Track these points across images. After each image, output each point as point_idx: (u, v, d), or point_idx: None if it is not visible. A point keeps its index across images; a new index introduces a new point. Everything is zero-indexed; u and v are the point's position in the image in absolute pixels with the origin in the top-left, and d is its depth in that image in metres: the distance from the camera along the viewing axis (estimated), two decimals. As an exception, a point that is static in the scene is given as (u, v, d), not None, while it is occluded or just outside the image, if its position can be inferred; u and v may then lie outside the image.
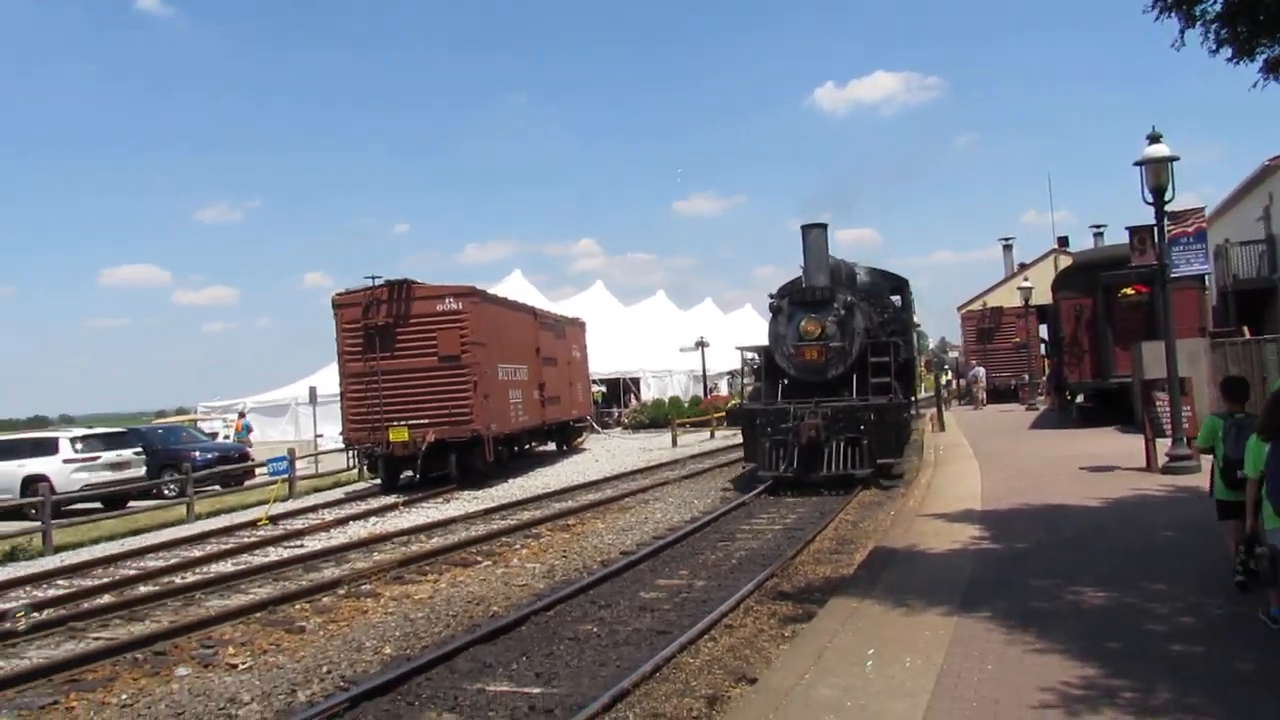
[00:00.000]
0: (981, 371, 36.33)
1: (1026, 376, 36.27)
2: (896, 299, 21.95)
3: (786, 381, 17.21)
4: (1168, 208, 13.30)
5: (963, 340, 43.60)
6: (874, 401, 16.08)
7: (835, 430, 15.74)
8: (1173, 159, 12.89)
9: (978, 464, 15.83)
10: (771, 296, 17.59)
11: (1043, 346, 38.18)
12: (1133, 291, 20.71)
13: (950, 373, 45.20)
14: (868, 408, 15.96)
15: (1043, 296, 33.30)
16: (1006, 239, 52.86)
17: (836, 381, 16.78)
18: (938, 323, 76.59)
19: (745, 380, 19.68)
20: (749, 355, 19.10)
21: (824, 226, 17.22)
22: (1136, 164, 12.99)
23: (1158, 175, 12.90)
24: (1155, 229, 13.51)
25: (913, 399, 23.05)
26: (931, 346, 58.53)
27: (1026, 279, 38.44)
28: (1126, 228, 14.18)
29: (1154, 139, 12.91)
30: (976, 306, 43.74)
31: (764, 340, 18.13)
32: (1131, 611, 6.41)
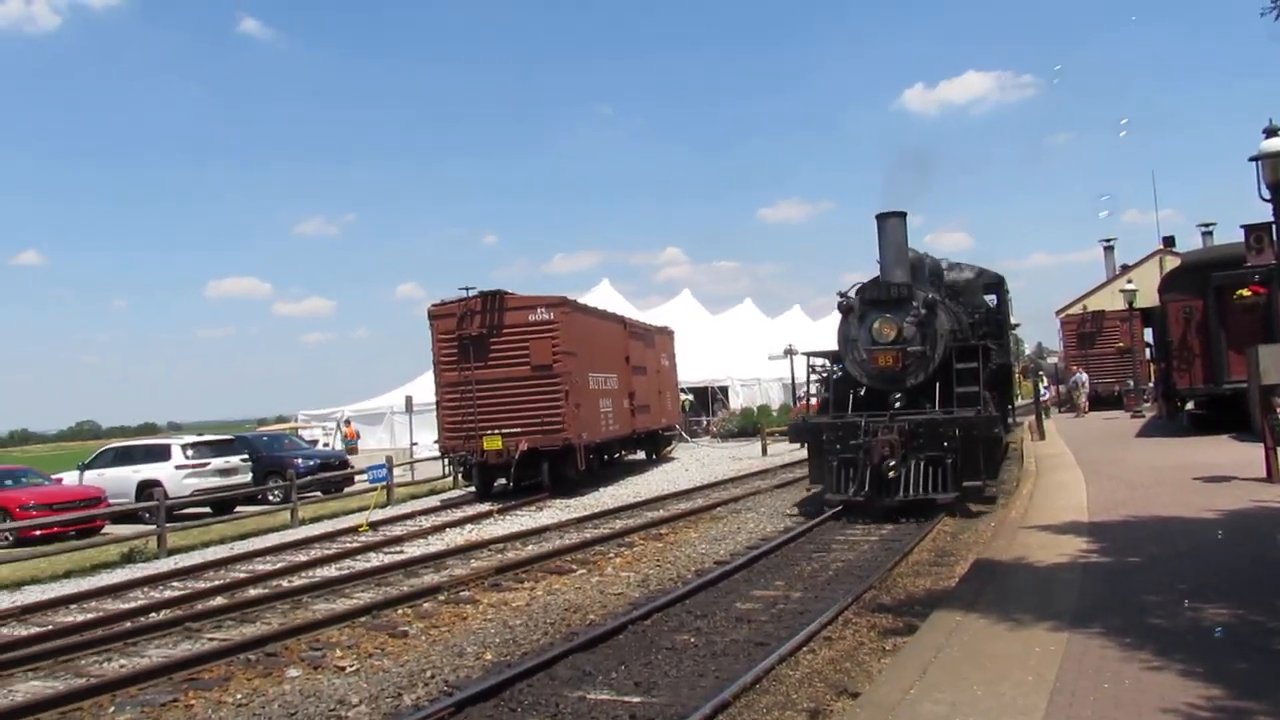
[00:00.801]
0: (1085, 377, 35.13)
1: (1131, 382, 34.93)
2: (991, 299, 20.70)
3: (860, 391, 15.45)
4: (1286, 205, 12.68)
5: (1062, 345, 42.23)
6: (960, 414, 13.99)
7: (914, 448, 13.83)
8: (1292, 154, 12.28)
9: (1082, 474, 15.30)
10: (841, 295, 15.41)
11: (1148, 351, 36.72)
12: (1249, 292, 19.77)
13: (1047, 379, 43.80)
14: (952, 421, 13.87)
15: (1147, 299, 32.02)
16: (1107, 240, 50.99)
17: (916, 391, 14.86)
18: (1035, 328, 74.23)
19: (812, 390, 17.83)
20: (817, 362, 17.38)
21: (902, 216, 15.25)
22: (1252, 159, 12.42)
23: (1275, 170, 12.31)
24: (1274, 226, 12.89)
25: (1010, 407, 21.82)
26: (1028, 352, 56.93)
27: (1130, 281, 37.01)
28: (1242, 226, 13.58)
29: (1272, 132, 12.34)
30: (1076, 310, 42.33)
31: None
32: (1258, 630, 6.11)
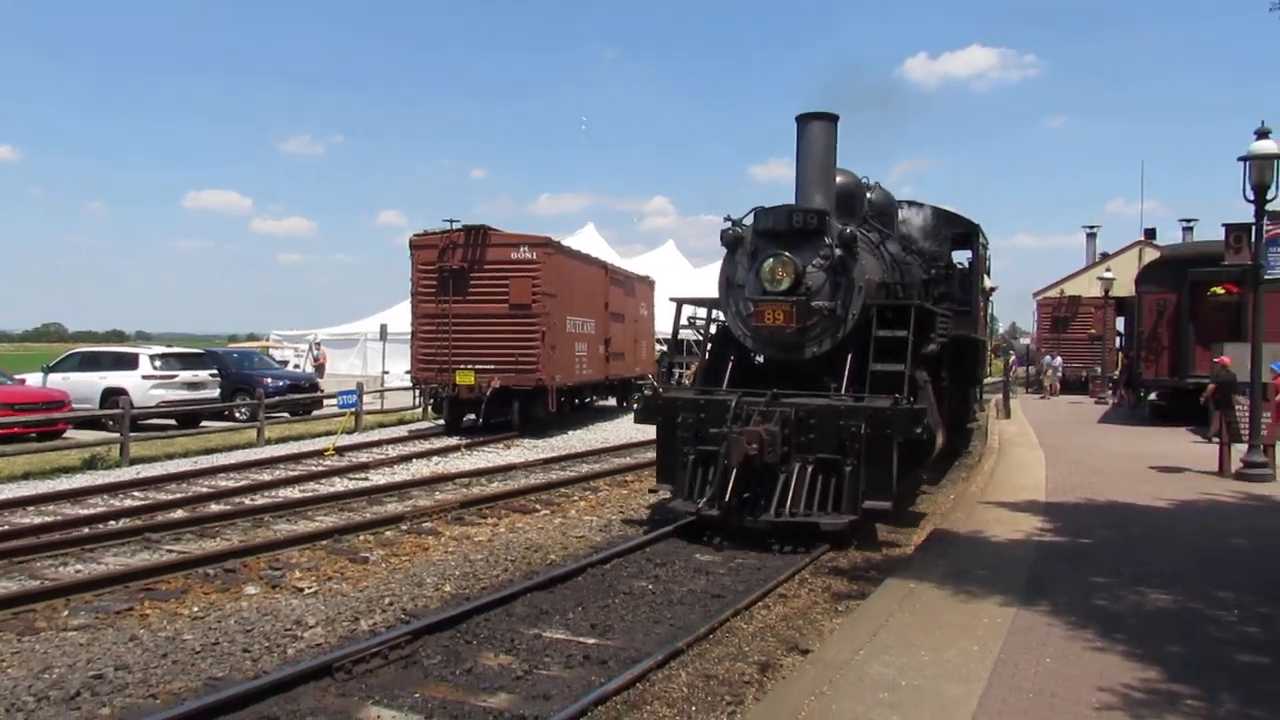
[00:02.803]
0: (1057, 361, 35.61)
1: (1099, 369, 35.41)
2: (963, 256, 16.32)
3: (756, 360, 11.36)
4: (1269, 206, 12.81)
5: (1036, 327, 42.64)
6: (871, 402, 9.71)
7: (801, 446, 9.64)
8: (1279, 156, 12.38)
9: (1043, 455, 15.57)
10: (729, 222, 10.87)
11: (1118, 340, 37.18)
12: (1223, 290, 20.00)
13: (1015, 358, 44.26)
14: (857, 412, 9.55)
15: (1124, 288, 32.35)
16: (1091, 226, 51.20)
17: (819, 365, 10.54)
18: (1011, 308, 75.04)
19: (674, 355, 13.51)
20: (701, 315, 12.56)
21: (831, 120, 10.87)
22: (1241, 159, 12.51)
23: (1262, 172, 12.41)
24: (1254, 227, 13.02)
25: (977, 390, 18.53)
26: (1001, 331, 57.41)
27: (1108, 269, 37.32)
28: (1224, 225, 13.68)
29: (1262, 134, 12.41)
30: (1053, 294, 42.67)
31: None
32: (1197, 617, 6.30)
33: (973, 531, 9.18)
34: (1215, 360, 18.31)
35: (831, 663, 5.39)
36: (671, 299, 13.17)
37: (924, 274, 13.41)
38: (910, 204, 15.59)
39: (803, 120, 10.91)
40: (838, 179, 11.25)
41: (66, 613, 7.23)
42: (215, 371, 22.46)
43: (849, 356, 10.39)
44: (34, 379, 21.33)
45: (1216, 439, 13.73)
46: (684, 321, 13.05)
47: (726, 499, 9.55)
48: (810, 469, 9.63)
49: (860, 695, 4.86)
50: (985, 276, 16.60)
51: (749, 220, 10.82)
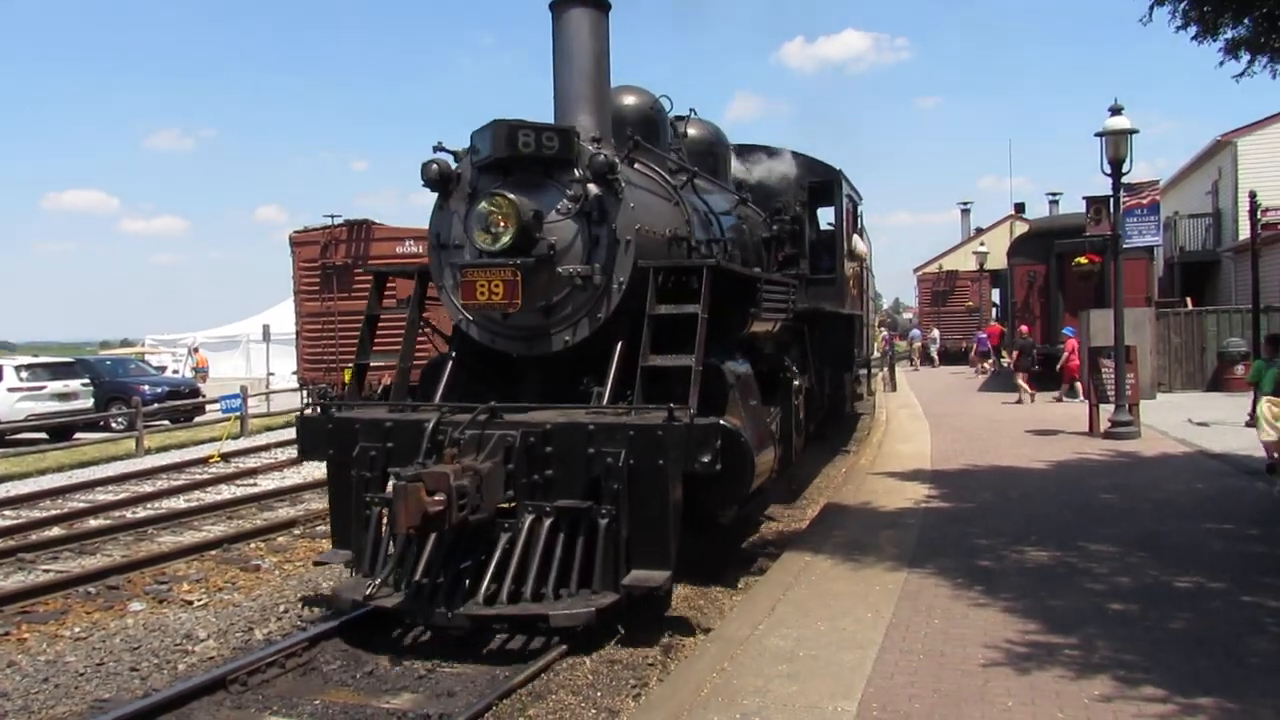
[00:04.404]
0: (935, 333, 37.18)
1: (977, 339, 36.95)
2: (826, 214, 12.65)
3: (488, 355, 7.53)
4: (1124, 179, 13.55)
5: (917, 302, 44.16)
6: (633, 419, 6.23)
7: (533, 487, 6.25)
8: (1132, 131, 13.10)
9: (928, 425, 16.16)
10: (440, 150, 7.40)
11: (994, 310, 38.84)
12: (1085, 260, 21.11)
13: (887, 332, 45.83)
14: (613, 432, 6.14)
15: (998, 261, 33.81)
16: (965, 203, 53.32)
17: (579, 361, 7.19)
18: (896, 284, 77.50)
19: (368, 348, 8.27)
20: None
21: (601, 8, 7.51)
22: (1098, 135, 13.18)
23: (1117, 147, 13.11)
24: (1111, 200, 13.77)
25: (862, 372, 16.63)
26: (886, 307, 59.26)
27: (983, 243, 38.97)
28: (1084, 197, 14.45)
29: (1116, 111, 13.10)
30: (933, 269, 44.25)
31: None
32: (1072, 571, 6.66)
33: (863, 503, 9.47)
34: (1019, 329, 19.66)
35: (732, 639, 5.50)
36: (368, 267, 8.98)
37: (767, 231, 10.48)
38: (756, 148, 12.11)
39: (558, 7, 7.40)
40: (627, 99, 8.35)
41: (-67, 644, 6.82)
42: (87, 380, 21.41)
43: (618, 346, 6.87)
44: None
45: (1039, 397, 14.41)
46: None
47: (417, 577, 6.08)
48: (547, 524, 5.99)
49: (760, 669, 4.98)
50: (856, 237, 12.99)
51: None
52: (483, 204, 6.71)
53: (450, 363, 7.60)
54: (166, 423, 21.45)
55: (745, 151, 12.08)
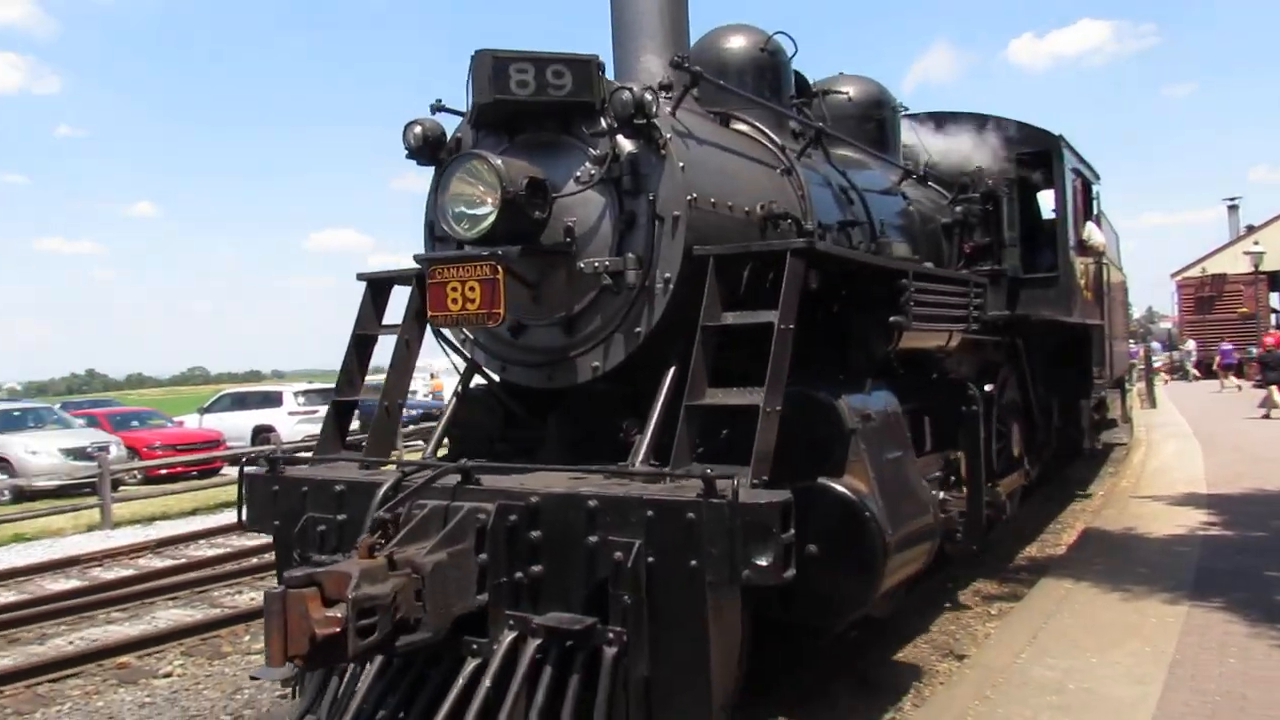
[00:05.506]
0: (1191, 345, 34.25)
1: (1253, 351, 33.41)
2: (1043, 186, 9.54)
3: (511, 386, 5.31)
4: None
5: (1178, 311, 40.50)
6: (662, 489, 3.75)
7: (516, 589, 3.92)
8: None
9: (1199, 444, 14.75)
10: (438, 109, 5.06)
11: (1274, 317, 35.04)
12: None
13: (1159, 345, 42.25)
14: (629, 507, 3.67)
15: (1277, 262, 30.51)
16: (1232, 198, 48.37)
17: (615, 394, 4.87)
18: (1148, 291, 71.36)
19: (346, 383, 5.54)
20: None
21: None
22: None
23: None
24: None
25: (1099, 399, 12.15)
26: (1138, 317, 54.76)
27: (1257, 242, 35.19)
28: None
29: None
30: (1195, 273, 40.48)
31: None
32: (1394, 611, 5.85)
33: (1126, 528, 8.76)
34: (1263, 340, 17.24)
35: (991, 666, 5.23)
36: (360, 275, 5.57)
37: (947, 216, 7.85)
38: (940, 115, 9.66)
39: None
40: (732, 41, 5.97)
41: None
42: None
43: (669, 375, 4.41)
44: (190, 420, 22.83)
45: None
46: None
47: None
48: (532, 647, 3.77)
49: (1025, 699, 4.70)
50: (1090, 225, 9.93)
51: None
52: (453, 172, 4.48)
53: (454, 399, 5.48)
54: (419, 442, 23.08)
55: (925, 119, 9.59)
